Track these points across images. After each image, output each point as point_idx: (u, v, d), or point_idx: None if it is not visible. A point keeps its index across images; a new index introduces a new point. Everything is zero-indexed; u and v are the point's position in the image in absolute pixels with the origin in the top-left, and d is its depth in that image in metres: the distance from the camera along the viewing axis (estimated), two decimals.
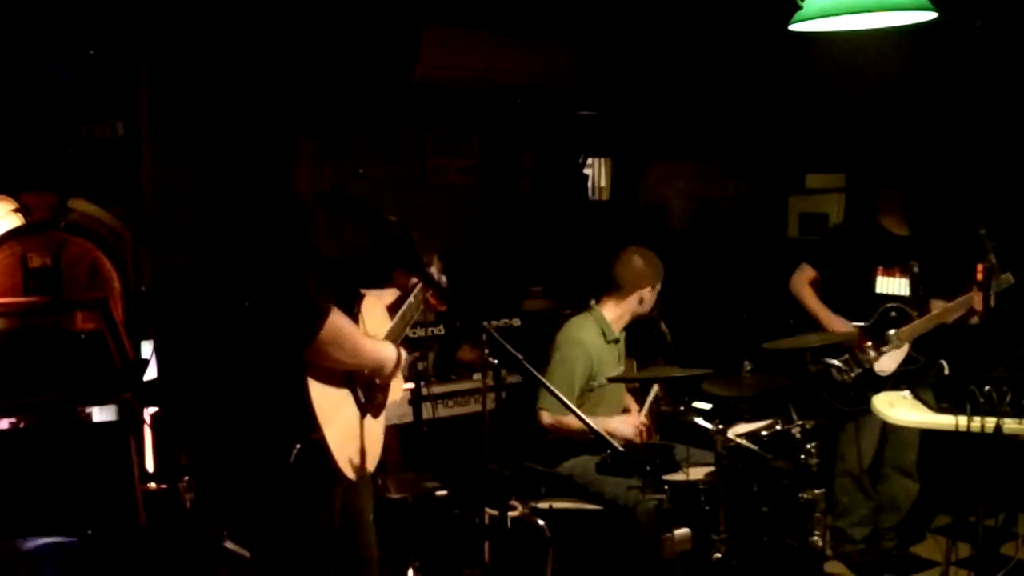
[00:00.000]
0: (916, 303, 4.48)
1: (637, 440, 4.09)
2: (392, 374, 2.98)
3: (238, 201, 2.83)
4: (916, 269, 4.50)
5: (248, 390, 2.72)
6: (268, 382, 2.69)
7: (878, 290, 4.52)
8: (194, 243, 2.90)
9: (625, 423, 4.14)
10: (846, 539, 4.72)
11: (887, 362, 4.50)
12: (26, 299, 4.83)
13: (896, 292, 4.52)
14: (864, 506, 4.70)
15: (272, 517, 2.77)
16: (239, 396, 2.75)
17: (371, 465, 2.96)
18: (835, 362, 4.50)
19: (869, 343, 4.50)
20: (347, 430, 2.82)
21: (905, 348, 4.48)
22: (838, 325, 4.51)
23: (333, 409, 2.76)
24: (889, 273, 4.52)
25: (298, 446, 2.67)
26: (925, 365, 4.43)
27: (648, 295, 4.23)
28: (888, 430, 4.56)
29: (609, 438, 3.09)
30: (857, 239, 4.60)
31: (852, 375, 4.49)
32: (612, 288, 4.25)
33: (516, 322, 5.69)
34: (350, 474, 2.81)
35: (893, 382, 4.42)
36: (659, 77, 6.86)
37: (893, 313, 4.48)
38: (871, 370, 4.50)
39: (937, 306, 4.45)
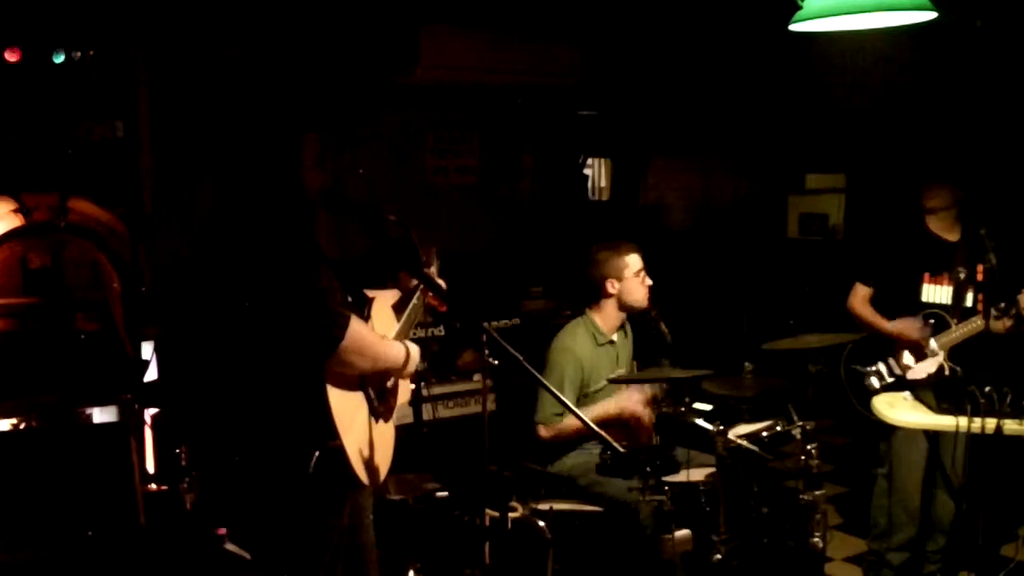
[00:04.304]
0: (957, 311, 4.27)
1: (645, 418, 4.06)
2: (405, 373, 2.98)
3: (246, 201, 2.81)
4: (962, 276, 4.28)
5: (264, 396, 2.70)
6: (287, 389, 2.68)
7: (924, 298, 4.32)
8: (199, 243, 2.87)
9: (630, 400, 4.09)
10: (883, 564, 4.39)
11: (921, 371, 4.30)
12: (26, 299, 4.83)
13: (939, 300, 4.32)
14: (906, 529, 4.32)
15: (285, 522, 2.75)
16: (252, 401, 2.73)
17: (384, 470, 2.96)
18: (868, 369, 4.38)
19: (906, 351, 4.33)
20: (363, 436, 2.82)
21: (940, 357, 4.27)
22: (909, 329, 4.29)
23: (350, 416, 2.76)
24: (936, 280, 4.32)
25: (317, 454, 2.67)
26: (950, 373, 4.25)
27: (625, 285, 4.19)
28: (935, 445, 4.28)
29: (610, 439, 3.08)
30: (905, 245, 4.40)
31: (886, 383, 4.33)
32: (592, 292, 4.28)
33: (516, 321, 5.71)
34: (366, 480, 2.81)
35: None
36: (659, 77, 6.86)
37: (932, 321, 4.29)
38: (904, 378, 4.31)
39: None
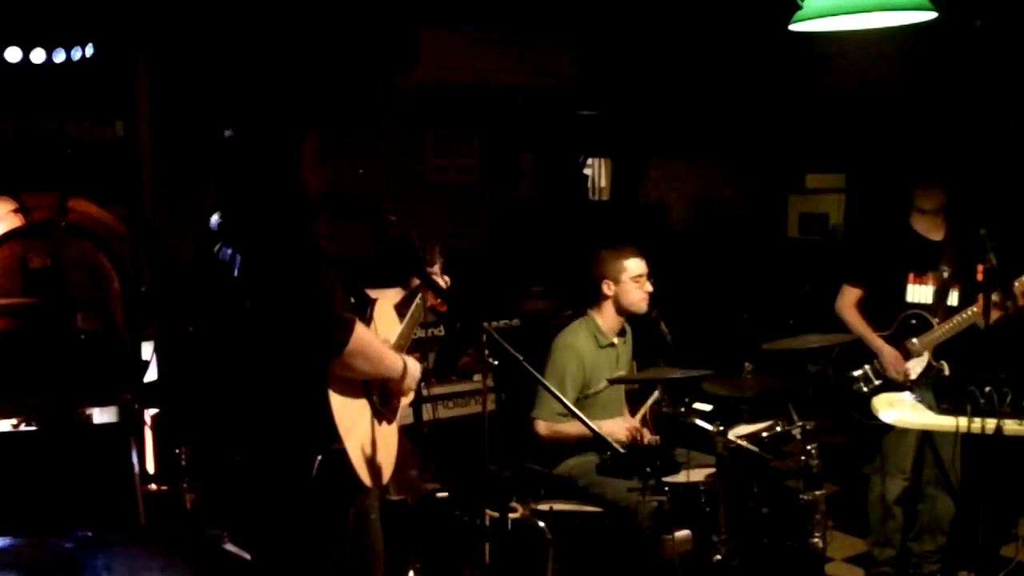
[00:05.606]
0: (939, 310, 4.29)
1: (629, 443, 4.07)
2: (404, 388, 2.98)
3: (246, 201, 2.81)
4: (945, 275, 4.30)
5: (266, 398, 2.70)
6: (289, 392, 2.68)
7: (908, 299, 4.35)
8: (200, 244, 2.87)
9: (618, 425, 4.12)
10: (871, 561, 4.51)
11: (910, 372, 4.32)
12: (26, 299, 4.83)
13: (922, 300, 4.34)
14: (888, 524, 4.43)
15: (290, 523, 2.75)
16: (254, 403, 2.73)
17: (388, 472, 2.96)
18: (855, 373, 4.40)
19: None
20: (366, 438, 2.82)
21: (925, 357, 4.30)
22: (895, 366, 4.32)
23: (353, 418, 2.76)
24: (921, 280, 4.34)
25: (320, 457, 2.67)
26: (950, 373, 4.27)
27: (622, 288, 4.18)
28: (932, 446, 4.32)
29: (610, 439, 3.09)
30: (891, 245, 4.41)
31: (873, 386, 4.35)
32: (593, 293, 4.28)
33: (516, 321, 5.71)
34: (369, 482, 2.80)
35: None
36: (659, 77, 6.86)
37: (913, 321, 4.32)
38: (891, 381, 4.33)
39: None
